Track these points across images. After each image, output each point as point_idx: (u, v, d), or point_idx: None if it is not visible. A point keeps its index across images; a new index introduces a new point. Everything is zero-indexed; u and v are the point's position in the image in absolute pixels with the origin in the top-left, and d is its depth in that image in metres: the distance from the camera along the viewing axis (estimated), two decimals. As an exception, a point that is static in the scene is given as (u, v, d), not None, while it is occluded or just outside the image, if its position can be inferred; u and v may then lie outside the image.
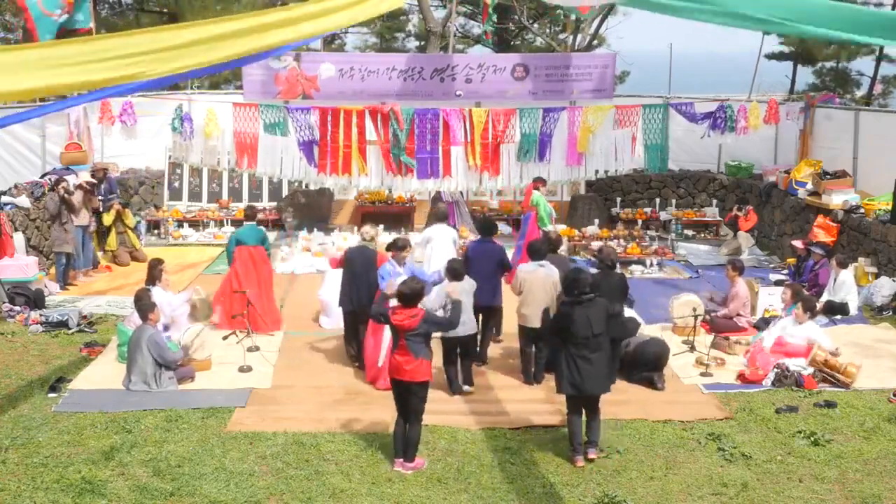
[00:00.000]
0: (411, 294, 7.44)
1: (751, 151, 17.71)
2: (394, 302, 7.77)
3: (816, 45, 27.53)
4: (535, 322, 9.40)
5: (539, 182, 13.71)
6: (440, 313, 8.32)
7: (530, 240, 13.08)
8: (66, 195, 13.05)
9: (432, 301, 8.79)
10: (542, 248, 9.82)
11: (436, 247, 11.80)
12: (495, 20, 30.57)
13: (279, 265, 14.56)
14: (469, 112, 13.80)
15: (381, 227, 16.40)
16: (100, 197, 14.82)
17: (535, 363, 9.71)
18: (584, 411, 7.80)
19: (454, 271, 8.97)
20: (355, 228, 16.38)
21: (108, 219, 14.77)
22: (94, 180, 14.17)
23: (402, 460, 7.57)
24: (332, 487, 7.22)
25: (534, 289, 9.40)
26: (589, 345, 7.55)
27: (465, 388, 9.34)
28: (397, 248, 9.79)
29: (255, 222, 11.78)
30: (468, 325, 9.12)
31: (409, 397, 7.52)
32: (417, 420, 7.60)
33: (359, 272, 9.86)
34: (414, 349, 7.39)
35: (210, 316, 11.01)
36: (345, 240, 15.61)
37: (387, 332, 8.79)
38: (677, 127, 16.16)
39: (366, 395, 9.23)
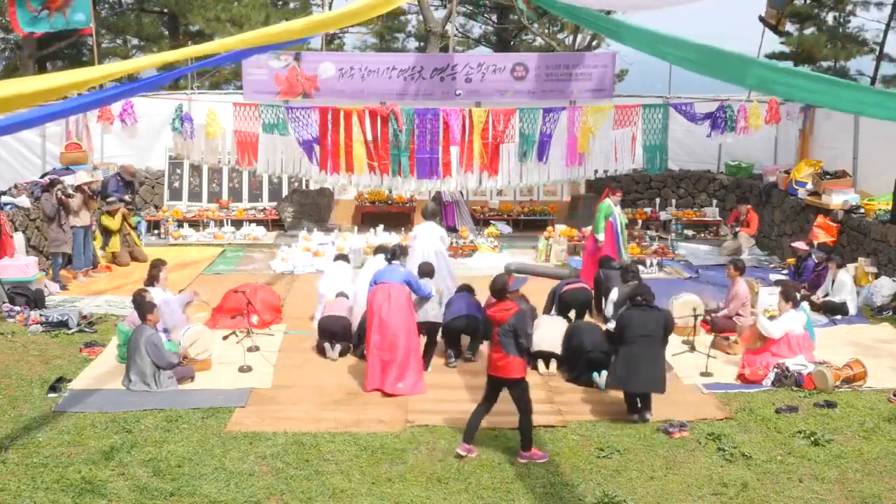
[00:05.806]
0: (500, 287, 7.65)
1: (751, 151, 17.71)
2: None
3: (816, 45, 27.54)
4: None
5: (611, 190, 13.46)
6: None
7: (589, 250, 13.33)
8: (63, 197, 13.04)
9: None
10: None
11: (420, 246, 12.06)
12: (494, 20, 30.70)
13: (279, 265, 14.57)
14: (469, 112, 13.77)
15: (382, 227, 16.46)
16: (125, 196, 15.13)
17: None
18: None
19: (424, 272, 9.96)
20: (356, 228, 16.38)
21: (114, 223, 14.79)
22: (93, 182, 14.16)
23: (523, 452, 7.67)
24: (332, 487, 7.22)
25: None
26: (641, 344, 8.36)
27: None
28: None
29: None
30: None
31: (509, 391, 7.67)
32: (522, 411, 7.67)
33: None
34: (504, 344, 7.50)
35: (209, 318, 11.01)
36: (344, 239, 15.63)
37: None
38: (677, 127, 16.12)
39: (366, 396, 9.23)
